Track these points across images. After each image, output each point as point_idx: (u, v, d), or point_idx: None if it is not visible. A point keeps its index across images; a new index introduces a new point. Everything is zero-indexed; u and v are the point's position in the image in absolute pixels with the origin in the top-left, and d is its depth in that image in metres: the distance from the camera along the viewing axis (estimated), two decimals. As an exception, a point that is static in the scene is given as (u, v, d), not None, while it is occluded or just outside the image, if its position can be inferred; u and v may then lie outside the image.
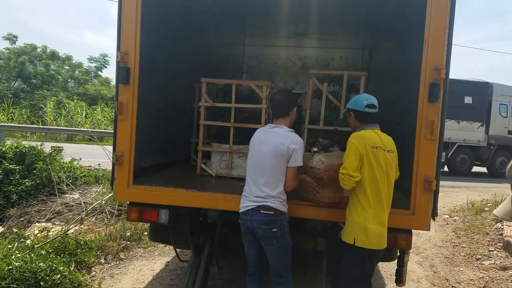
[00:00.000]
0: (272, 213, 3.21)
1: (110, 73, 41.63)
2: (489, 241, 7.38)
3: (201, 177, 4.54)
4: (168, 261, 5.47)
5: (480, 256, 6.47)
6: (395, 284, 3.99)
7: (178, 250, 4.69)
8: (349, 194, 3.29)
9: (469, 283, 5.37)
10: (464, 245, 7.15)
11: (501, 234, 7.72)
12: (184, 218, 3.94)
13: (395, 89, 4.74)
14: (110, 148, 4.15)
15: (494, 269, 5.84)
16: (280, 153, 3.25)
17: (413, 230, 3.61)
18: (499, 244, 7.10)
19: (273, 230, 3.20)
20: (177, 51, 4.94)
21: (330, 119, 4.82)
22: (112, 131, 4.17)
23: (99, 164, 9.47)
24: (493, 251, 6.70)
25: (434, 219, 3.55)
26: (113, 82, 34.87)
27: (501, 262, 6.03)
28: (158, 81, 4.38)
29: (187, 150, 5.48)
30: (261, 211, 3.22)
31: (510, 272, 5.64)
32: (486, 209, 9.81)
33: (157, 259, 5.54)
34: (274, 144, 3.28)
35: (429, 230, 3.53)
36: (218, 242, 3.90)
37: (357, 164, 3.13)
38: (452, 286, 5.29)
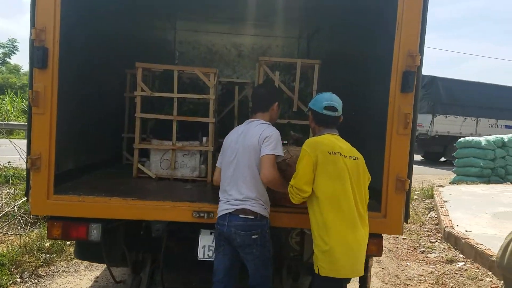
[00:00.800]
0: (252, 217, 2.80)
1: (20, 60, 38.25)
2: (427, 231, 7.42)
3: (139, 180, 3.90)
4: (97, 276, 4.73)
5: (423, 249, 6.42)
6: (358, 291, 3.66)
7: (112, 268, 4.00)
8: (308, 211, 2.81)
9: (420, 279, 5.23)
10: (404, 237, 7.10)
11: (437, 224, 7.82)
12: (120, 231, 3.31)
13: (349, 80, 4.40)
14: (20, 142, 3.35)
15: (441, 263, 5.78)
16: (253, 147, 2.84)
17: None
18: (438, 234, 7.15)
19: (253, 237, 2.79)
20: (105, 30, 4.21)
21: (282, 111, 4.36)
22: (24, 123, 3.37)
23: (9, 162, 8.27)
24: (434, 242, 6.70)
25: (407, 222, 3.23)
26: (24, 69, 32.09)
27: (446, 255, 6.00)
28: (83, 65, 3.64)
29: (118, 147, 4.77)
30: (240, 215, 2.80)
31: (458, 265, 5.60)
32: (415, 197, 10.02)
33: (83, 274, 4.78)
34: (248, 140, 2.88)
35: (402, 235, 3.21)
36: (164, 257, 3.31)
37: (310, 175, 2.66)
38: (404, 284, 5.11)
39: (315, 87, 4.23)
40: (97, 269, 4.91)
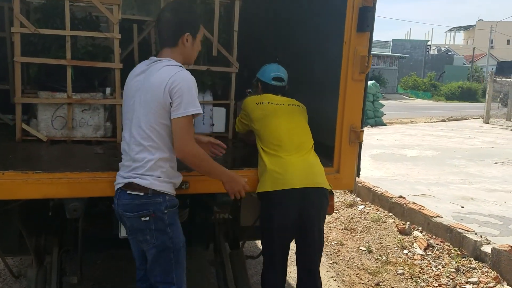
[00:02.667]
0: (142, 194, 2.14)
1: None
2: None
3: (27, 145, 3.00)
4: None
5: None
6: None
7: (8, 259, 3.09)
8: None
9: (329, 226, 5.26)
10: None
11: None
12: (16, 213, 2.50)
13: (291, 18, 3.85)
14: None
15: (342, 207, 5.90)
16: (156, 99, 2.11)
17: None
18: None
19: (143, 219, 2.15)
20: None
21: (199, 56, 3.74)
22: None
23: None
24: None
25: (358, 176, 3.02)
26: None
27: (345, 199, 6.16)
28: None
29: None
30: (128, 192, 2.16)
31: (359, 209, 5.79)
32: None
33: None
34: (148, 88, 2.15)
35: (353, 189, 2.99)
36: (81, 240, 2.60)
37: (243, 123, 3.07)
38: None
39: (236, 28, 3.68)
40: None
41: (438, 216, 4.91)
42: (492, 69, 42.08)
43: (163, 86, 2.09)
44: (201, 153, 2.19)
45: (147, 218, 2.14)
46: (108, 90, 3.31)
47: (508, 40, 57.87)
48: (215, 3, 3.60)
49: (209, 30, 3.63)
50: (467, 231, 4.52)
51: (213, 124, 3.78)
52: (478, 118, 19.37)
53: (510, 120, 18.36)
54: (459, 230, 4.52)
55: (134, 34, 3.94)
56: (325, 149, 2.91)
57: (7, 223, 2.55)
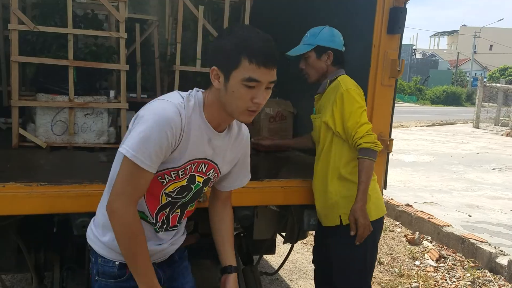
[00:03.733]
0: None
1: None
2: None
3: (24, 152, 2.74)
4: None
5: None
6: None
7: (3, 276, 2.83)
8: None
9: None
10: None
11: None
12: (14, 227, 2.26)
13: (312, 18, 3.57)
14: None
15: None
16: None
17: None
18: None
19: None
20: None
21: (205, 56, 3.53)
22: None
23: None
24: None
25: (385, 188, 2.82)
26: None
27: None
28: None
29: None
30: None
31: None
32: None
33: None
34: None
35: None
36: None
37: None
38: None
39: (246, 28, 3.47)
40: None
41: (448, 226, 4.75)
42: (482, 74, 42.70)
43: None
44: (133, 223, 1.46)
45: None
46: (112, 93, 3.08)
47: (491, 46, 58.79)
48: (224, 2, 3.40)
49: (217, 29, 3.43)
50: (480, 241, 4.37)
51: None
52: (467, 123, 19.49)
53: (498, 125, 18.51)
54: (472, 241, 4.37)
55: (137, 34, 3.72)
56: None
57: (4, 239, 2.29)
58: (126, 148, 1.40)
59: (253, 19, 3.49)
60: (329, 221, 2.31)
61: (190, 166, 1.55)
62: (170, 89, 3.77)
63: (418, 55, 60.91)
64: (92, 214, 2.08)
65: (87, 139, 2.96)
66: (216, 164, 1.62)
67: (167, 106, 1.44)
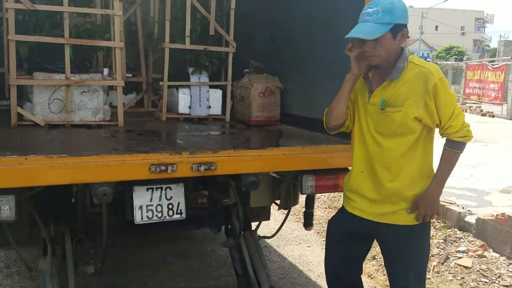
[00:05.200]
0: None
1: None
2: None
3: (26, 130, 2.76)
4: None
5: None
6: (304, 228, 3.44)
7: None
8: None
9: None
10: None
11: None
12: (30, 200, 2.32)
13: None
14: None
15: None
16: None
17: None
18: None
19: None
20: None
21: (196, 36, 3.60)
22: None
23: None
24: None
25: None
26: None
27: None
28: None
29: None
30: None
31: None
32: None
33: None
34: None
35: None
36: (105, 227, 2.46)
37: None
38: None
39: (232, 6, 3.58)
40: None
41: (419, 191, 5.09)
42: (428, 53, 44.25)
43: None
44: None
45: None
46: (105, 70, 3.12)
47: (437, 26, 60.73)
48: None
49: (206, 8, 3.52)
50: (450, 203, 4.73)
51: (209, 106, 3.67)
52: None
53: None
54: (442, 203, 4.72)
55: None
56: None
57: (19, 211, 2.34)
58: None
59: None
60: (402, 219, 2.09)
61: None
62: (156, 67, 3.84)
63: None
64: (111, 183, 2.19)
65: (83, 117, 3.01)
66: None
67: None
